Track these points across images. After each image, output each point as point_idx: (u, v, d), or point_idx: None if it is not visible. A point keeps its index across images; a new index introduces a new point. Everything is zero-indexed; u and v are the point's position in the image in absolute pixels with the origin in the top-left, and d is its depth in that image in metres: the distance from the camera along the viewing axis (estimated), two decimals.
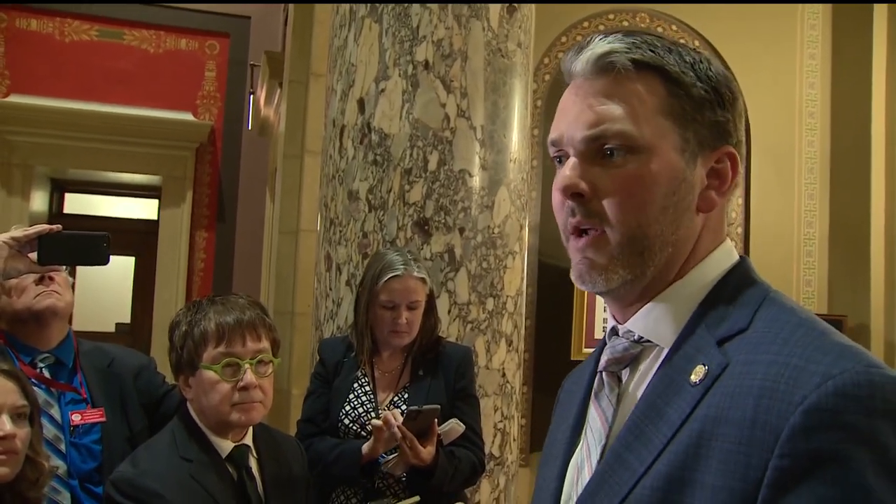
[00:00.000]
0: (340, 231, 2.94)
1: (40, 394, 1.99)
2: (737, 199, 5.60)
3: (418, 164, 2.82)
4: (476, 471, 2.34)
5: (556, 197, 0.88)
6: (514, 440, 3.01)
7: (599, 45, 0.86)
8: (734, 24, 5.75)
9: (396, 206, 2.82)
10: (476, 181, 2.85)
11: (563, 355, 5.32)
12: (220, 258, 7.59)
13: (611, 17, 5.68)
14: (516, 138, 2.98)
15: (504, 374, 2.92)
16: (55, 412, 2.07)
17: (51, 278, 2.12)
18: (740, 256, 0.90)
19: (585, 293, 5.18)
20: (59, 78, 7.23)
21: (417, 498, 2.15)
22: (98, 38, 7.43)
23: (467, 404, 2.37)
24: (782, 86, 5.86)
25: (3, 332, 2.11)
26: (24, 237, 1.83)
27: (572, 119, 0.87)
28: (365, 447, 2.17)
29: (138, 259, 7.96)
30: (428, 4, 2.85)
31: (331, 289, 2.96)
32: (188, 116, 7.56)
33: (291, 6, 5.69)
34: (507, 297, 2.92)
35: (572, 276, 0.89)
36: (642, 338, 0.87)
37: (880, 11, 5.74)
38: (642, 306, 0.87)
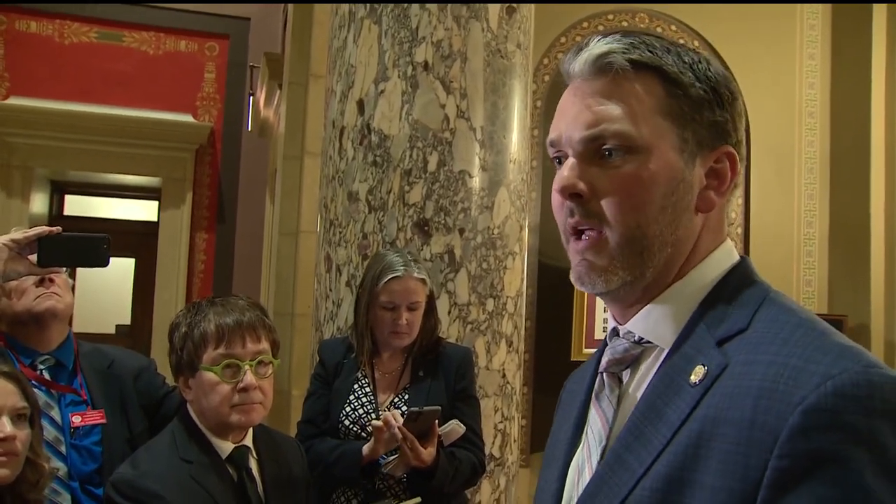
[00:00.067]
0: (340, 232, 2.94)
1: (40, 395, 1.98)
2: (737, 200, 5.60)
3: (418, 165, 2.82)
4: (476, 472, 2.34)
5: (556, 198, 0.88)
6: (515, 441, 3.01)
7: (597, 46, 0.86)
8: (734, 25, 5.76)
9: (396, 207, 2.82)
10: (476, 182, 2.85)
11: (564, 356, 5.32)
12: (219, 259, 7.59)
13: (610, 17, 5.69)
14: (516, 139, 2.99)
15: (504, 375, 2.92)
16: (55, 414, 2.07)
17: (51, 280, 2.11)
18: (741, 256, 0.90)
19: (585, 294, 5.18)
20: (58, 80, 7.24)
21: (419, 499, 2.15)
22: (97, 40, 7.44)
23: (467, 405, 2.37)
24: (782, 86, 5.87)
25: (3, 333, 2.11)
26: (24, 239, 1.83)
27: (571, 119, 0.87)
28: (365, 448, 2.17)
29: (138, 261, 7.96)
30: (427, 5, 2.85)
31: (331, 290, 2.96)
32: (188, 118, 7.57)
33: (291, 7, 5.70)
34: (507, 297, 2.92)
35: (572, 278, 0.89)
36: (643, 339, 0.87)
37: (879, 11, 5.74)
38: (642, 307, 0.87)
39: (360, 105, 2.93)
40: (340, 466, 2.19)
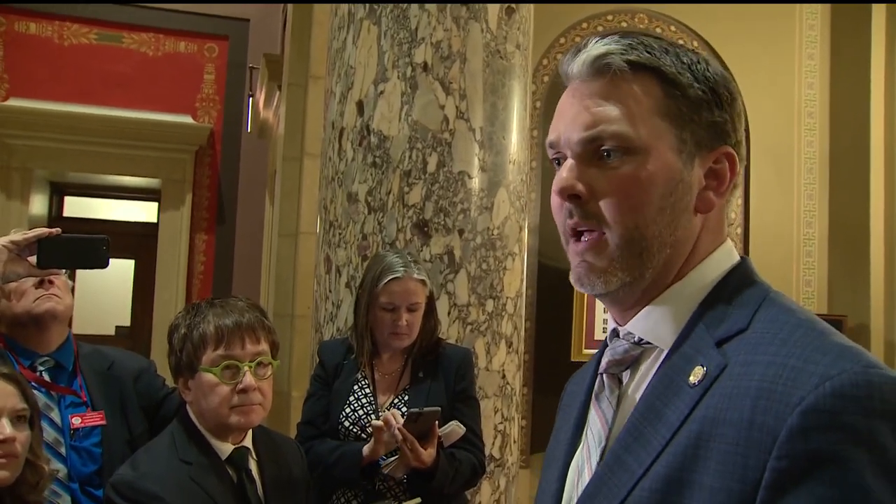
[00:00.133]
0: (340, 233, 2.94)
1: (40, 397, 1.98)
2: (736, 200, 5.61)
3: (417, 165, 2.82)
4: (476, 472, 2.34)
5: (555, 199, 0.88)
6: (515, 442, 3.01)
7: (595, 47, 0.86)
8: (733, 25, 5.76)
9: (396, 207, 2.82)
10: (475, 183, 2.85)
11: (563, 357, 5.33)
12: (219, 261, 7.59)
13: (609, 18, 5.69)
14: (515, 140, 2.99)
15: (504, 376, 2.92)
16: (55, 415, 2.07)
17: (50, 282, 2.11)
18: (741, 257, 0.89)
19: (585, 294, 5.18)
20: (58, 81, 7.24)
21: (419, 499, 2.14)
22: (97, 41, 7.44)
23: (467, 406, 2.37)
24: (781, 86, 5.87)
25: (2, 335, 2.11)
26: (24, 241, 1.83)
27: (569, 121, 0.87)
28: (365, 449, 2.17)
29: (138, 262, 7.96)
30: (426, 6, 2.85)
31: (330, 291, 2.96)
32: (187, 119, 7.57)
33: (290, 8, 5.70)
34: (507, 298, 2.92)
35: (571, 279, 0.89)
36: (642, 339, 0.87)
37: (878, 11, 5.75)
38: (642, 309, 0.87)
39: (360, 106, 2.93)
40: (341, 467, 2.19)
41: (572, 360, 5.33)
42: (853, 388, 0.67)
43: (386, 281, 2.24)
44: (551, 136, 0.89)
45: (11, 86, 7.19)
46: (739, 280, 0.86)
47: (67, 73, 7.28)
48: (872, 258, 5.65)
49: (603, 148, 0.84)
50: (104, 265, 1.90)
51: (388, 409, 2.26)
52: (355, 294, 2.47)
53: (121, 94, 7.35)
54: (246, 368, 1.68)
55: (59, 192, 8.09)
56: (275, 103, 6.30)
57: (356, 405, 2.30)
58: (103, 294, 8.07)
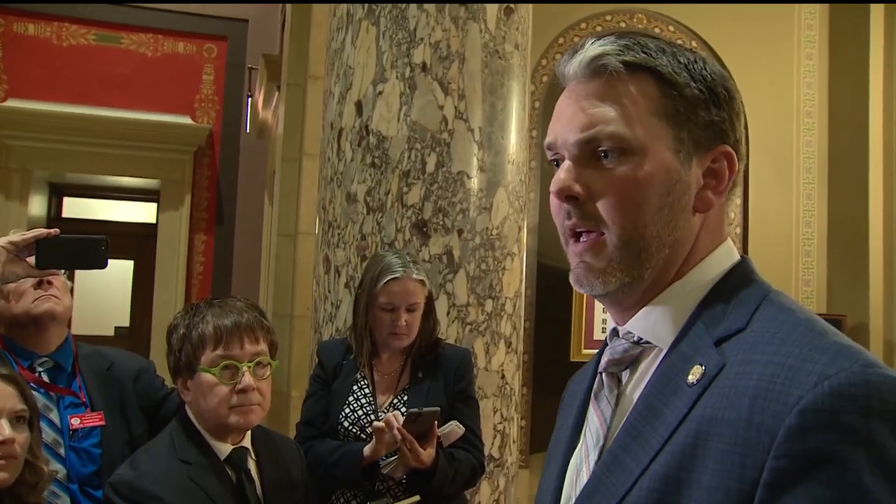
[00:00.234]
0: (339, 233, 2.94)
1: (39, 398, 1.98)
2: (735, 200, 5.60)
3: (416, 166, 2.82)
4: (476, 472, 2.34)
5: (553, 200, 0.88)
6: (514, 442, 3.01)
7: (591, 48, 0.86)
8: (731, 25, 5.77)
9: (395, 208, 2.82)
10: (474, 183, 2.86)
11: (563, 357, 5.33)
12: (218, 261, 7.59)
13: (608, 18, 5.69)
14: (514, 140, 2.99)
15: (503, 376, 2.92)
16: (54, 416, 2.07)
17: (49, 282, 2.11)
18: (741, 256, 0.89)
19: (584, 294, 5.18)
20: (56, 82, 7.24)
21: (417, 497, 2.14)
22: (96, 42, 7.44)
23: (467, 406, 2.37)
24: (780, 86, 5.88)
25: (1, 336, 2.11)
26: (22, 241, 1.82)
27: (566, 122, 0.87)
28: (366, 449, 2.17)
29: (137, 262, 7.96)
30: (425, 6, 2.85)
31: (329, 291, 2.96)
32: (186, 120, 7.57)
33: (289, 9, 5.70)
34: (506, 298, 2.92)
35: (571, 280, 0.89)
36: (642, 339, 0.87)
37: (877, 11, 5.75)
38: (641, 308, 0.87)
39: (359, 106, 2.93)
40: (341, 468, 2.19)
41: (571, 360, 5.33)
42: (851, 388, 0.67)
43: (385, 281, 2.24)
44: (549, 138, 0.89)
45: (10, 87, 7.19)
46: (739, 279, 0.86)
47: (66, 74, 7.28)
48: (871, 257, 5.65)
49: (600, 149, 0.84)
50: (103, 266, 1.89)
51: (388, 410, 2.26)
52: (354, 294, 2.47)
53: (119, 94, 7.35)
54: (245, 368, 1.68)
55: (57, 192, 8.09)
56: (274, 104, 6.30)
57: (355, 405, 2.30)
58: (102, 295, 8.07)
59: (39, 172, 7.35)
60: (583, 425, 0.93)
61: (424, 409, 2.14)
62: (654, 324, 0.86)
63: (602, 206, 0.84)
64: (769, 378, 0.71)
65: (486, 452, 2.64)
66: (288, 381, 4.82)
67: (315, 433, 2.31)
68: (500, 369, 2.91)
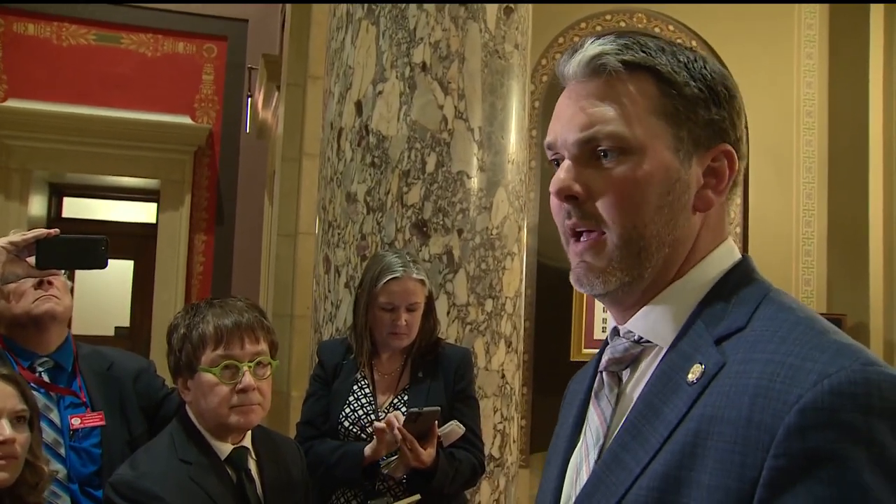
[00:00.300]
0: (339, 233, 2.94)
1: (39, 398, 1.98)
2: (735, 199, 5.60)
3: (416, 165, 2.82)
4: (476, 472, 2.34)
5: (554, 200, 0.88)
6: (514, 441, 3.01)
7: (590, 48, 0.86)
8: (732, 25, 5.77)
9: (395, 207, 2.82)
10: (474, 183, 2.86)
11: (563, 356, 5.33)
12: (218, 261, 7.59)
13: (608, 17, 5.69)
14: (514, 140, 2.99)
15: (503, 376, 2.92)
16: (55, 416, 2.07)
17: (49, 282, 2.11)
18: (743, 255, 0.89)
19: (584, 294, 5.18)
20: (56, 82, 7.24)
21: (418, 496, 2.14)
22: (95, 42, 7.44)
23: (467, 406, 2.37)
24: (780, 86, 5.88)
25: (1, 336, 2.11)
26: (23, 241, 1.83)
27: (566, 122, 0.87)
28: (367, 449, 2.17)
29: (137, 262, 7.97)
30: (425, 6, 2.85)
31: (329, 291, 2.96)
32: (186, 120, 7.57)
33: (289, 9, 5.70)
34: (506, 298, 2.92)
35: (571, 280, 0.89)
36: (642, 338, 0.87)
37: (877, 11, 5.76)
38: (642, 308, 0.87)
39: (358, 106, 2.93)
40: (342, 467, 2.19)
41: (571, 359, 5.33)
42: (851, 386, 0.67)
43: (385, 281, 2.24)
44: (549, 138, 0.89)
45: (10, 87, 7.19)
46: (740, 278, 0.86)
47: (66, 74, 7.28)
48: (871, 257, 5.65)
49: (599, 148, 0.84)
50: (103, 266, 1.89)
51: (388, 409, 2.26)
52: (354, 294, 2.47)
53: (119, 94, 7.35)
54: (245, 368, 1.68)
55: (57, 192, 8.09)
56: (273, 104, 6.30)
57: (356, 405, 2.30)
58: (102, 295, 8.07)
59: (39, 172, 7.35)
60: (583, 424, 0.93)
61: (425, 408, 2.14)
62: (654, 323, 0.86)
63: (602, 206, 0.84)
64: (769, 377, 0.71)
65: (487, 452, 2.65)
66: (288, 380, 4.82)
67: (315, 433, 2.31)
68: (501, 369, 2.91)
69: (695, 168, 0.85)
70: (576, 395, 0.99)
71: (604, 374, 0.90)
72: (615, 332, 0.91)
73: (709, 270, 0.86)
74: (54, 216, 7.95)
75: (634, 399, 0.84)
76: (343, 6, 3.04)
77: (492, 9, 2.93)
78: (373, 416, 2.26)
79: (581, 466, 0.89)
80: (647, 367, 0.86)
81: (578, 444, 0.92)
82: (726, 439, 0.71)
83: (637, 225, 0.83)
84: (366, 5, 2.93)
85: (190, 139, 7.54)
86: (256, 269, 7.27)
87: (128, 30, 7.50)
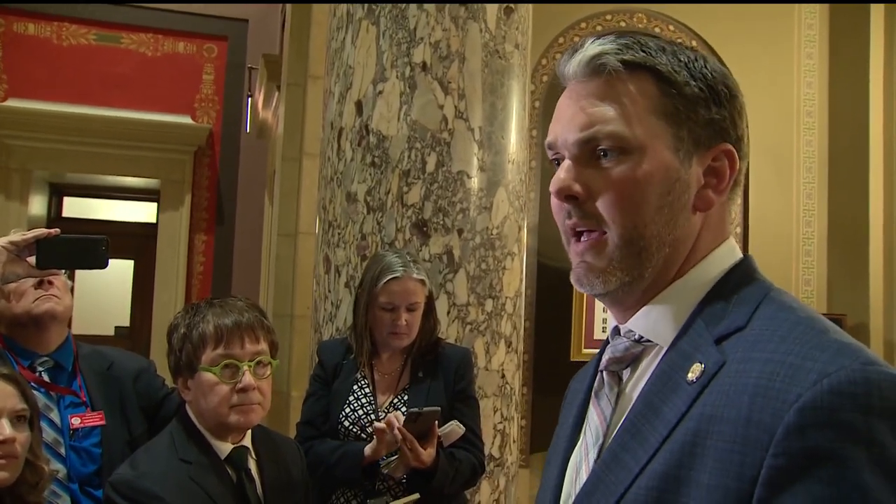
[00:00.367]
0: (339, 233, 2.94)
1: (40, 397, 1.98)
2: (735, 199, 5.60)
3: (416, 165, 2.82)
4: (476, 472, 2.34)
5: (554, 200, 0.88)
6: (514, 441, 3.01)
7: (590, 48, 0.86)
8: (732, 25, 5.76)
9: (395, 207, 2.82)
10: (474, 182, 2.86)
11: (563, 356, 5.33)
12: (218, 261, 7.59)
13: (608, 17, 5.69)
14: (514, 139, 2.99)
15: (503, 376, 2.92)
16: (55, 416, 2.07)
17: (50, 282, 2.11)
18: (744, 255, 0.89)
19: (585, 294, 5.17)
20: (56, 82, 7.24)
21: (417, 496, 2.14)
22: (96, 41, 7.44)
23: (467, 406, 2.37)
24: (780, 86, 5.88)
25: (1, 335, 2.11)
26: (23, 241, 1.83)
27: (566, 122, 0.87)
28: (367, 449, 2.17)
29: (137, 262, 7.97)
30: (425, 6, 2.85)
31: (329, 291, 2.96)
32: (186, 120, 7.57)
33: (289, 9, 5.70)
34: (506, 298, 2.92)
35: (572, 280, 0.89)
36: (643, 337, 0.87)
37: (877, 11, 5.75)
38: (642, 307, 0.87)
39: (359, 106, 2.93)
40: (342, 467, 2.19)
41: (572, 359, 5.33)
42: (851, 385, 0.67)
43: (385, 281, 2.24)
44: (549, 138, 0.89)
45: (10, 86, 7.19)
46: (741, 278, 0.85)
47: (66, 74, 7.28)
48: (871, 257, 5.65)
49: (599, 148, 0.84)
50: (103, 265, 1.90)
51: (388, 409, 2.26)
52: (354, 294, 2.47)
53: (120, 94, 7.35)
54: (245, 368, 1.68)
55: (58, 192, 8.09)
56: (274, 103, 6.30)
57: (356, 405, 2.30)
58: (102, 294, 8.07)
59: (39, 172, 7.35)
60: (583, 424, 0.93)
61: (425, 408, 2.14)
62: (654, 322, 0.86)
63: (602, 205, 0.84)
64: (769, 376, 0.71)
65: (487, 452, 2.65)
66: (288, 380, 4.82)
67: (315, 433, 2.31)
68: (501, 369, 2.91)
69: (695, 168, 0.85)
70: (576, 394, 0.99)
71: (604, 373, 0.90)
72: (616, 331, 0.91)
73: (709, 270, 0.86)
74: (54, 216, 7.95)
75: (634, 398, 0.84)
76: (343, 6, 3.04)
77: (492, 9, 2.93)
78: (373, 416, 2.26)
79: (581, 466, 0.89)
80: (648, 367, 0.86)
81: (578, 444, 0.92)
82: (726, 438, 0.71)
83: (637, 224, 0.83)
84: (366, 5, 2.93)
85: (190, 139, 7.54)
86: (256, 268, 7.27)
87: (128, 30, 7.50)
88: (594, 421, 0.89)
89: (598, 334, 5.40)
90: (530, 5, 3.13)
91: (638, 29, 5.69)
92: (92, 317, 7.72)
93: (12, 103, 7.08)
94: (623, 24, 5.69)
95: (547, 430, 1.08)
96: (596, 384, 0.92)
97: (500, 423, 2.91)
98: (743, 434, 0.70)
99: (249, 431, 1.78)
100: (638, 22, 5.72)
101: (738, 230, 5.74)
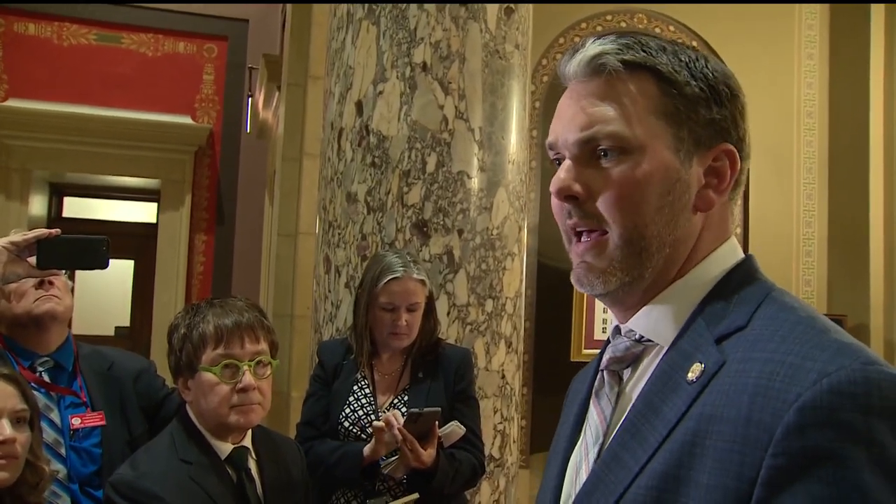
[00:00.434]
0: (339, 233, 2.94)
1: (40, 398, 1.98)
2: (737, 199, 5.60)
3: (416, 165, 2.82)
4: (476, 473, 2.34)
5: (555, 200, 0.88)
6: (514, 442, 3.01)
7: (591, 48, 0.86)
8: (732, 25, 5.76)
9: (395, 208, 2.82)
10: (474, 183, 2.86)
11: (563, 357, 5.32)
12: (219, 261, 7.59)
13: (608, 18, 5.69)
14: (514, 140, 2.99)
15: (503, 376, 2.92)
16: (55, 416, 2.07)
17: (50, 282, 2.11)
18: (746, 254, 0.89)
19: (585, 294, 5.17)
20: (57, 82, 7.24)
21: (416, 495, 2.14)
22: (96, 41, 7.44)
23: (467, 406, 2.37)
24: (780, 86, 5.87)
25: (2, 336, 2.11)
26: (23, 241, 1.83)
27: (566, 122, 0.87)
28: (366, 449, 2.17)
29: (137, 262, 7.97)
30: (425, 6, 2.85)
31: (330, 291, 2.96)
32: (187, 120, 7.57)
33: (289, 9, 5.70)
34: (507, 298, 2.92)
35: (572, 280, 0.89)
36: (643, 337, 0.87)
37: (877, 11, 5.75)
38: (643, 307, 0.87)
39: (359, 106, 2.93)
40: (341, 468, 2.19)
41: (572, 360, 5.33)
42: (851, 385, 0.67)
43: (385, 281, 2.24)
44: (550, 138, 0.89)
45: (11, 86, 7.20)
46: (742, 277, 0.85)
47: (66, 74, 7.28)
48: (872, 258, 5.65)
49: (599, 148, 0.84)
50: (104, 266, 1.90)
51: (388, 410, 2.26)
52: (355, 294, 2.47)
53: (120, 94, 7.35)
54: (245, 368, 1.68)
55: (58, 192, 8.09)
56: (274, 104, 6.30)
57: (356, 405, 2.30)
58: (103, 294, 8.07)
59: (40, 172, 7.35)
60: (584, 423, 0.93)
61: (425, 409, 2.14)
62: (655, 322, 0.86)
63: (602, 205, 0.84)
64: (769, 376, 0.71)
65: (487, 452, 2.65)
66: (288, 381, 4.82)
67: (315, 433, 2.31)
68: (501, 369, 2.91)
69: (695, 168, 0.85)
70: (577, 394, 1.00)
71: (604, 372, 0.90)
72: (617, 330, 0.91)
73: (711, 269, 0.86)
74: (55, 216, 7.96)
75: (634, 398, 0.84)
76: (343, 6, 3.04)
77: (492, 9, 2.93)
78: (373, 417, 2.26)
79: (581, 465, 0.89)
80: (648, 366, 0.86)
81: (578, 443, 0.92)
82: (725, 438, 0.71)
83: (638, 224, 0.83)
84: (366, 5, 2.93)
85: (190, 139, 7.54)
86: (257, 269, 7.27)
87: (128, 30, 7.50)
88: (594, 420, 0.89)
89: (599, 335, 5.40)
90: (531, 5, 3.13)
91: (638, 29, 5.69)
92: (92, 317, 7.72)
93: (13, 103, 7.08)
94: (623, 24, 5.69)
95: (547, 430, 1.08)
96: (596, 384, 0.92)
97: (501, 423, 2.91)
98: (742, 434, 0.70)
99: (250, 432, 1.78)
100: (638, 22, 5.71)
101: (739, 231, 5.74)
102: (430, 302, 2.37)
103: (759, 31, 5.83)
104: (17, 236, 1.84)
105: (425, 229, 2.80)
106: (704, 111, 0.85)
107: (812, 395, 0.67)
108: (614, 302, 0.89)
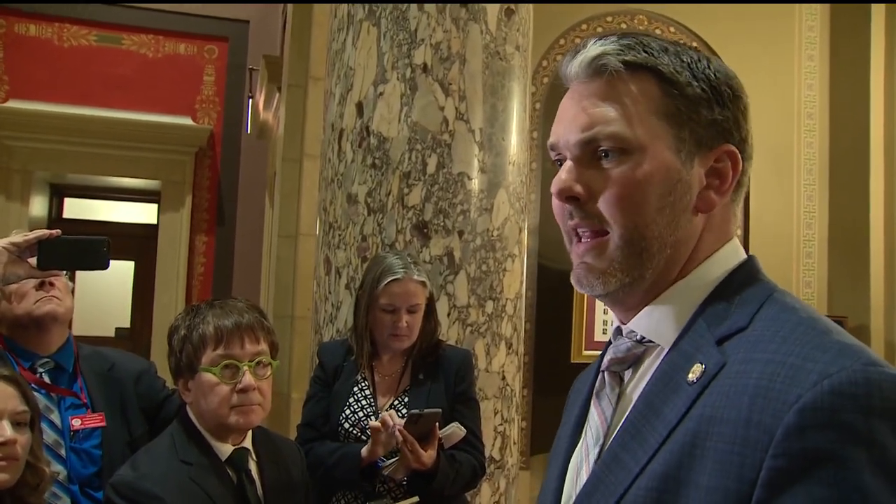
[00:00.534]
0: (339, 234, 2.94)
1: (40, 399, 1.98)
2: (739, 200, 5.59)
3: (417, 167, 2.82)
4: (477, 474, 2.34)
5: (555, 201, 0.88)
6: (515, 443, 3.01)
7: (592, 49, 0.86)
8: (732, 26, 5.76)
9: (395, 209, 2.82)
10: (475, 184, 2.86)
11: (563, 358, 5.32)
12: (219, 262, 7.59)
13: (609, 19, 5.69)
14: (515, 141, 2.99)
15: (504, 377, 2.92)
16: (55, 417, 2.07)
17: (51, 283, 2.11)
18: (748, 255, 0.89)
19: (585, 295, 5.17)
20: (57, 83, 7.24)
21: (416, 498, 2.14)
22: (97, 43, 7.44)
23: (467, 408, 2.36)
24: (781, 87, 5.87)
25: (2, 337, 2.11)
26: (24, 242, 1.83)
27: (568, 122, 0.87)
28: (364, 450, 2.17)
29: (138, 263, 7.97)
30: (426, 7, 2.85)
31: (330, 292, 2.96)
32: (187, 121, 7.57)
33: (290, 10, 5.70)
34: (507, 299, 2.92)
35: (572, 280, 0.89)
36: (645, 338, 0.87)
37: (878, 12, 5.75)
38: (644, 308, 0.87)
39: (359, 107, 2.93)
40: (340, 469, 2.19)
41: (572, 361, 5.32)
42: (852, 386, 0.66)
43: (386, 282, 2.24)
44: (552, 139, 0.89)
45: (11, 87, 7.20)
46: (744, 278, 0.85)
47: (67, 75, 7.28)
48: (872, 259, 5.65)
49: (600, 149, 0.84)
50: (104, 267, 1.90)
51: (388, 411, 2.26)
52: (355, 295, 2.47)
53: (120, 95, 7.35)
54: (245, 368, 1.68)
55: (58, 193, 8.09)
56: (274, 105, 6.30)
57: (356, 407, 2.29)
58: (103, 295, 8.07)
59: (40, 173, 7.35)
60: (584, 424, 0.93)
61: (426, 410, 2.14)
62: (656, 323, 0.86)
63: (603, 206, 0.84)
64: (769, 377, 0.71)
65: (487, 454, 2.64)
66: (288, 382, 4.82)
67: (315, 435, 2.31)
68: (501, 371, 2.90)
69: (697, 169, 0.85)
70: (578, 395, 0.99)
71: (605, 373, 0.90)
72: (618, 331, 0.91)
73: (712, 270, 0.86)
74: (55, 217, 7.96)
75: (635, 399, 0.84)
76: (344, 7, 3.04)
77: (493, 10, 2.93)
78: (373, 418, 2.26)
79: (581, 466, 0.89)
80: (649, 367, 0.86)
81: (579, 444, 0.92)
82: (726, 439, 0.71)
83: (638, 225, 0.83)
84: (367, 6, 2.93)
85: (191, 140, 7.54)
86: (257, 270, 7.27)
87: (129, 31, 7.50)
88: (595, 421, 0.89)
89: (599, 336, 5.40)
90: (531, 6, 3.13)
91: (639, 31, 5.69)
92: (92, 318, 7.72)
93: (13, 104, 7.09)
94: (624, 25, 5.69)
95: (547, 432, 1.07)
96: (597, 384, 0.92)
97: (501, 424, 2.91)
98: (743, 435, 0.70)
99: (250, 433, 1.78)
100: (639, 24, 5.71)
101: (739, 232, 5.70)
102: (431, 303, 2.37)
103: (759, 31, 5.83)
104: (17, 237, 1.84)
105: (426, 230, 2.80)
106: (706, 112, 0.85)
107: (813, 396, 0.67)
108: (615, 302, 0.89)
